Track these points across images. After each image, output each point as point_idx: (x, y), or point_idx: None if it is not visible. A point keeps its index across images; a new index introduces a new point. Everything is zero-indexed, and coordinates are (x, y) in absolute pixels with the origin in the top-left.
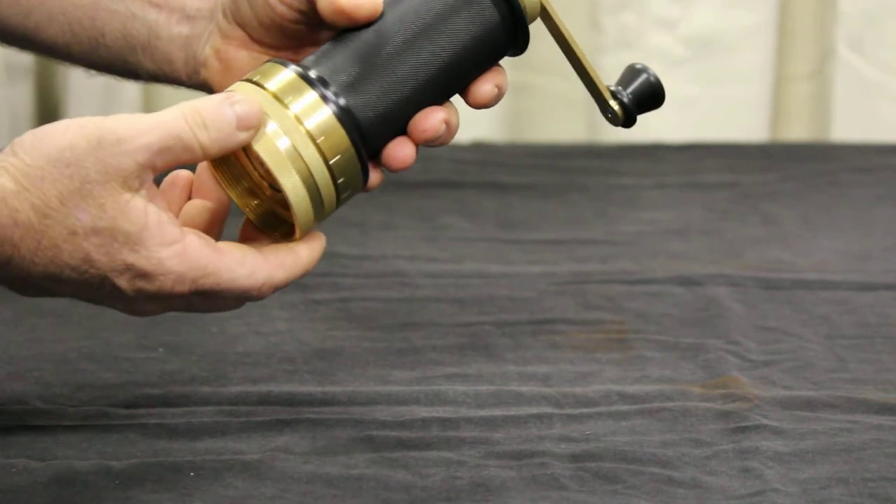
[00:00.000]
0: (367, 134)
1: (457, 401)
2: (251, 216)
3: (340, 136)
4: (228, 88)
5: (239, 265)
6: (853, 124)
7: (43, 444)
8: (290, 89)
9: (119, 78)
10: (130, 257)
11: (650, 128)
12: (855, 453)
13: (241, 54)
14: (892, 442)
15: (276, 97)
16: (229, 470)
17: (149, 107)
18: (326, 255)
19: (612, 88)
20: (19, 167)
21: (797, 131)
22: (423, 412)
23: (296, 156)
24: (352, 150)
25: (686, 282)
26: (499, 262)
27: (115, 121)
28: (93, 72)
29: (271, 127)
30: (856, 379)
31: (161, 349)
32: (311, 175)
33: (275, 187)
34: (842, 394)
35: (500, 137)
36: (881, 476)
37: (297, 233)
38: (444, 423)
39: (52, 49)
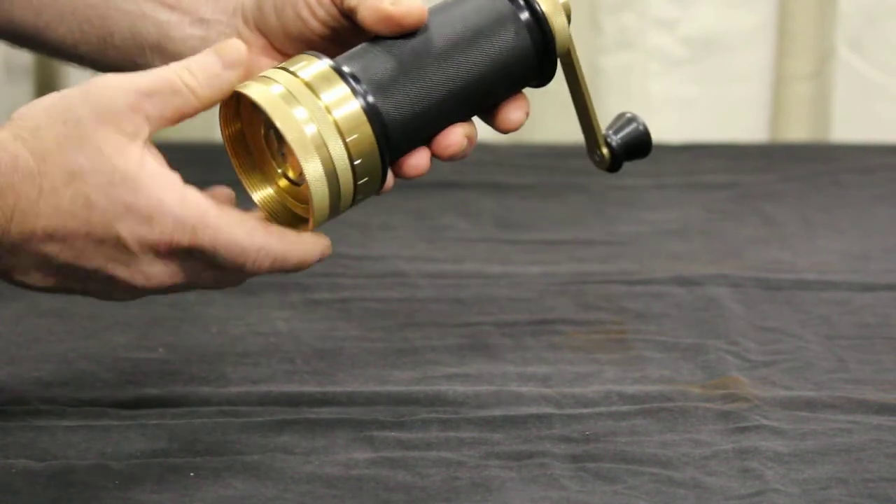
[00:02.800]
0: (391, 135)
1: (457, 401)
2: (263, 207)
3: (366, 132)
4: (261, 73)
5: (238, 223)
6: (853, 124)
7: (43, 444)
8: (323, 80)
9: None
10: (130, 197)
11: (650, 128)
12: (855, 454)
13: (263, 62)
14: (891, 442)
15: (308, 85)
16: (229, 470)
17: None
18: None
19: (603, 132)
20: (15, 121)
21: (797, 131)
22: (423, 412)
23: (321, 143)
24: (375, 148)
25: (686, 282)
26: (499, 262)
27: (105, 75)
28: (100, 74)
29: (300, 113)
30: (855, 379)
31: (161, 349)
32: (333, 165)
33: (290, 178)
34: (842, 394)
35: (500, 138)
36: (881, 476)
37: (312, 222)
38: (444, 423)
39: (61, 49)
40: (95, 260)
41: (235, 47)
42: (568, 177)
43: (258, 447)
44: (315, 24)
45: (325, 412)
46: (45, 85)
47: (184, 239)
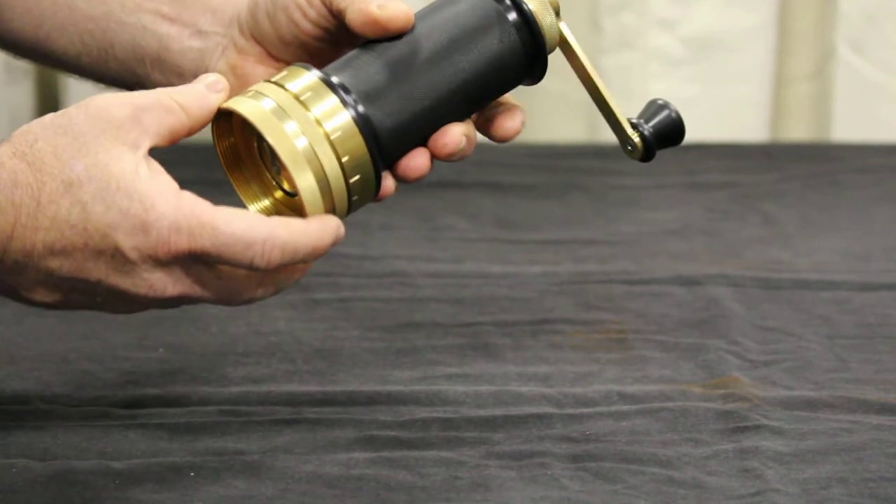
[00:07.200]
0: (383, 143)
1: (457, 401)
2: None
3: (357, 141)
4: (250, 87)
5: (237, 218)
6: (853, 124)
7: (43, 444)
8: (312, 92)
9: (127, 91)
10: (125, 204)
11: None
12: (855, 453)
13: (259, 70)
14: (892, 442)
15: (297, 98)
16: (229, 470)
17: None
18: (327, 255)
19: (634, 121)
20: (14, 138)
21: (797, 131)
22: (423, 412)
23: (312, 155)
24: (367, 157)
25: (686, 282)
26: (499, 262)
27: (102, 94)
28: (101, 85)
29: (290, 126)
30: (856, 379)
31: (161, 349)
32: (326, 176)
33: (285, 190)
34: (842, 394)
35: None
36: (881, 476)
37: None
38: (444, 423)
39: (62, 60)
40: (96, 272)
41: (217, 77)
42: (568, 177)
43: (258, 447)
44: (307, 26)
45: (326, 412)
46: (45, 85)
47: (181, 243)
